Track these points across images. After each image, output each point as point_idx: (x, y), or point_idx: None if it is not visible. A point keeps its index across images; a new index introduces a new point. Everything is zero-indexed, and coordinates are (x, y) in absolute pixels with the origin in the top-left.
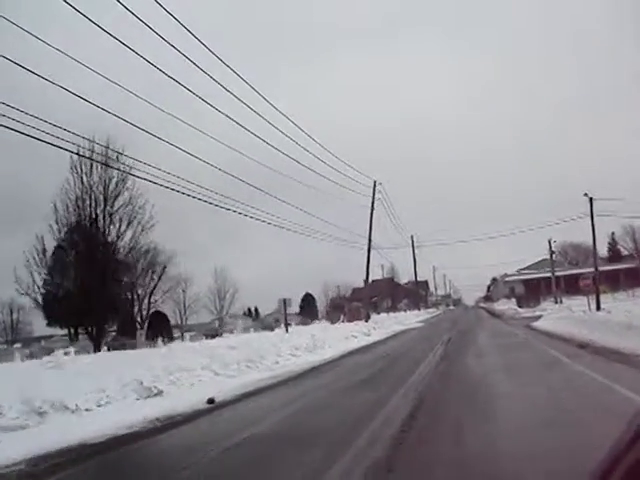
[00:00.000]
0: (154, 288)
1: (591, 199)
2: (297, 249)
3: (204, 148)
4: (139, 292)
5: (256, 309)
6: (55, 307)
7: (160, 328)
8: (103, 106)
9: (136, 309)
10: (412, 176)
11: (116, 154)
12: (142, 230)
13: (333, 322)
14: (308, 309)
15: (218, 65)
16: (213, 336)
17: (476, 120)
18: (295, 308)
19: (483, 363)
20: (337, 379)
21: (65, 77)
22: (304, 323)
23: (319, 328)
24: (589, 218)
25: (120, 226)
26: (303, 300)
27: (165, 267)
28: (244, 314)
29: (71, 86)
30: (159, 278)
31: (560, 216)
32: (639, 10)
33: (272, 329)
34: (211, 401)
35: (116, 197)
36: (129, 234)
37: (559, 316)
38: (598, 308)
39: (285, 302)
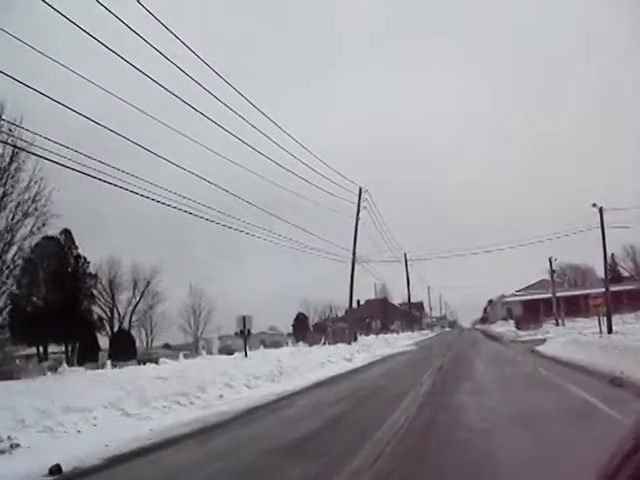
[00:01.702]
0: (136, 306)
1: (601, 209)
2: (295, 268)
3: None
4: (120, 310)
5: (249, 330)
6: (22, 324)
7: (124, 349)
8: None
9: (116, 328)
10: (407, 194)
11: (9, 125)
12: (43, 225)
13: (312, 344)
14: (300, 329)
15: (203, 71)
16: (145, 362)
17: (474, 136)
18: (288, 328)
19: (484, 409)
20: (274, 429)
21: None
22: (276, 345)
23: (290, 352)
24: (590, 234)
25: (14, 217)
26: (296, 320)
27: (149, 282)
28: (235, 334)
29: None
30: (141, 295)
31: (560, 235)
32: None
33: (231, 352)
34: (55, 471)
35: (6, 180)
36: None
37: (567, 340)
38: (610, 331)
39: (245, 320)
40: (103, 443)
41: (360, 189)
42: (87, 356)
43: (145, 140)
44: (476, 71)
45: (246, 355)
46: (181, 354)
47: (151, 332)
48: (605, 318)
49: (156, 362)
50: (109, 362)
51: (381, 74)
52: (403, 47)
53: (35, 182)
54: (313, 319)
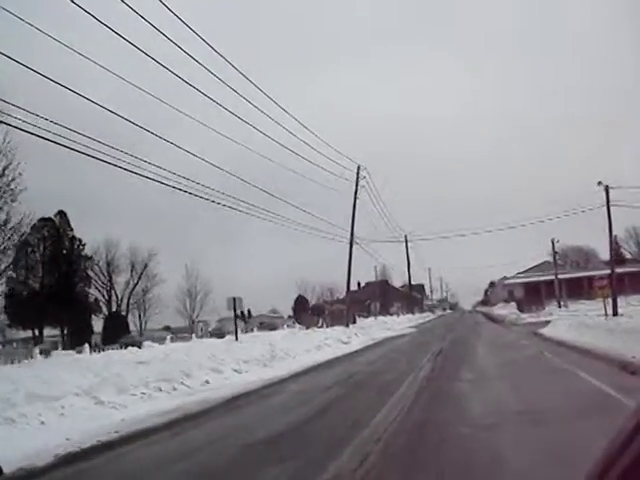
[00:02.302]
0: (133, 288)
1: (607, 187)
2: (297, 251)
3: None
4: (117, 293)
5: (249, 311)
6: (18, 307)
7: (117, 332)
8: None
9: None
10: (408, 175)
11: None
12: (11, 200)
13: (308, 327)
14: (300, 312)
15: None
16: (128, 345)
17: (478, 115)
18: (290, 311)
19: (487, 399)
20: (256, 420)
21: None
22: (272, 328)
23: (285, 335)
24: (593, 215)
25: None
26: (296, 302)
27: (147, 265)
28: (237, 317)
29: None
30: (139, 277)
31: (563, 215)
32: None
33: (222, 335)
34: None
35: None
36: None
37: (572, 322)
38: (615, 313)
39: (235, 302)
40: (65, 436)
41: (358, 167)
42: (80, 339)
43: (144, 123)
44: (478, 53)
45: (237, 338)
46: (168, 337)
47: (144, 314)
48: (610, 300)
49: (139, 346)
50: (87, 346)
51: (381, 54)
52: (405, 31)
53: (4, 155)
54: (312, 301)
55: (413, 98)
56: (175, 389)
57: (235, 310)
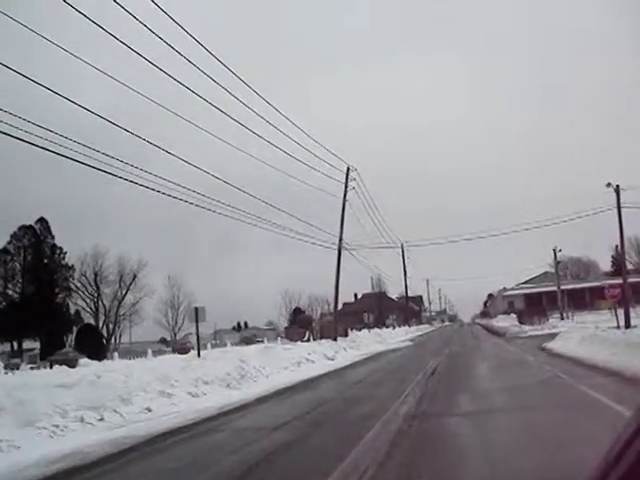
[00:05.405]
0: (122, 299)
1: (617, 188)
2: (298, 263)
3: None
4: (105, 304)
5: (246, 323)
6: None
7: (89, 344)
8: None
9: (101, 322)
10: (406, 184)
11: None
12: None
13: (293, 340)
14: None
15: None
16: (59, 363)
17: (476, 125)
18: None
19: (493, 454)
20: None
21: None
22: (248, 342)
23: (261, 350)
24: (594, 225)
25: None
26: (293, 314)
27: (135, 276)
28: (233, 328)
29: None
30: (128, 288)
31: (567, 219)
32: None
33: (186, 351)
34: None
35: None
36: None
37: (584, 336)
38: (628, 325)
39: (197, 312)
40: None
41: (348, 168)
42: (53, 353)
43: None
44: (478, 56)
45: (199, 354)
46: (116, 353)
47: (119, 327)
48: (621, 311)
49: (71, 364)
50: (1, 365)
51: (380, 63)
52: (403, 38)
53: None
54: (308, 313)
55: (411, 105)
56: (102, 419)
57: (197, 321)
